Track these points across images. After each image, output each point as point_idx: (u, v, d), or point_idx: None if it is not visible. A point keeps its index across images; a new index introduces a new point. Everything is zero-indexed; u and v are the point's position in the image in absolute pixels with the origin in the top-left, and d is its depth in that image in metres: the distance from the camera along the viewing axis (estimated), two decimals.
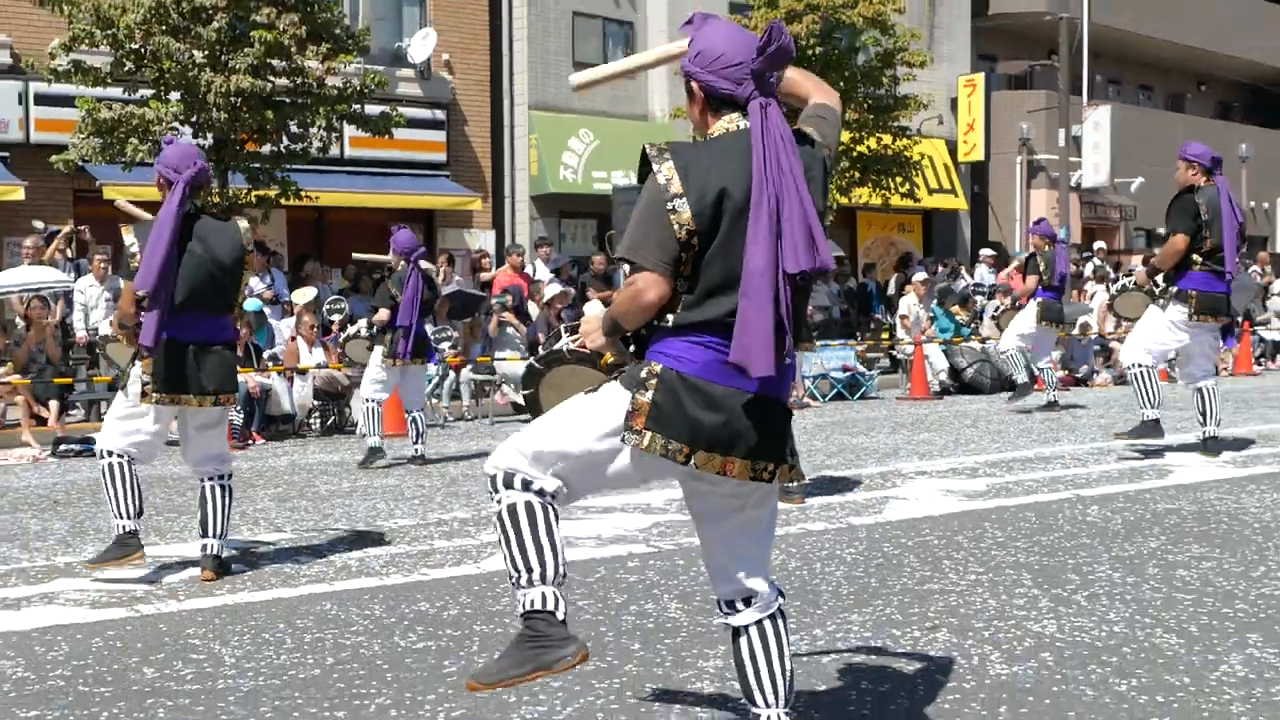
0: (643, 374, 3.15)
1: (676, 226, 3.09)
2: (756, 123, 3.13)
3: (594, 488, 3.38)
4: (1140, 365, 9.55)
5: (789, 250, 3.05)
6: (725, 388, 3.14)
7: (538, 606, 3.17)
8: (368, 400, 10.84)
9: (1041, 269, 14.03)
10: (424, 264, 10.76)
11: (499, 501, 3.24)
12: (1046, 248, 14.13)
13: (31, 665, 4.78)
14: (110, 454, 6.20)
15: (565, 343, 3.57)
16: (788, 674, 3.38)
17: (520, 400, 14.40)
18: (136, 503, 6.24)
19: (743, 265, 3.07)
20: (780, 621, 3.40)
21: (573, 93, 3.50)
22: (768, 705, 3.34)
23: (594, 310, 3.30)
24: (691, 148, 3.24)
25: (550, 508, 3.23)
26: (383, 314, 10.49)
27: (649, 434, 3.10)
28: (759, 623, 3.35)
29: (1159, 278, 9.56)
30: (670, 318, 3.18)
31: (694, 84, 3.29)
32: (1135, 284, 11.30)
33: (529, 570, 3.18)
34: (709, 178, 3.12)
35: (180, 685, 4.49)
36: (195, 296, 6.13)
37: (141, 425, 6.25)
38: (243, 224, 6.50)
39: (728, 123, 3.25)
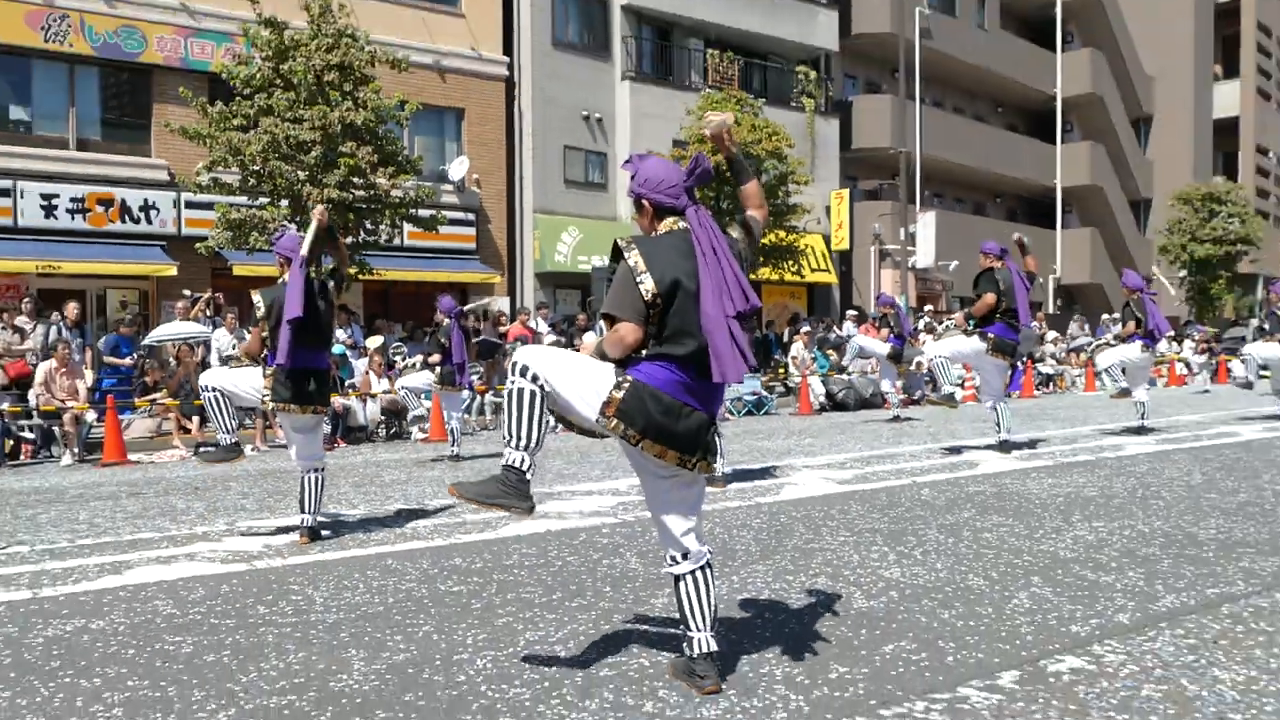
0: (619, 378, 3.26)
1: (644, 293, 3.23)
2: (694, 222, 3.34)
3: (565, 414, 3.41)
4: (940, 356, 10.03)
5: (730, 299, 3.23)
6: (675, 400, 3.26)
7: (516, 465, 3.28)
8: (403, 388, 11.15)
9: (892, 325, 14.54)
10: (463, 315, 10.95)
11: (513, 383, 3.29)
12: (891, 311, 14.55)
13: (177, 604, 4.72)
14: (211, 389, 6.31)
15: None
16: (713, 607, 3.42)
17: None
18: (234, 421, 6.36)
19: (698, 316, 3.23)
20: (708, 570, 3.44)
21: (706, 129, 3.52)
22: (698, 629, 3.39)
23: (590, 339, 3.40)
24: (649, 240, 3.40)
25: (545, 398, 3.29)
26: (435, 356, 10.61)
27: (615, 420, 3.23)
28: (692, 571, 3.42)
29: (971, 323, 9.86)
30: (643, 353, 3.30)
31: (645, 201, 3.47)
32: (954, 325, 11.62)
33: (518, 438, 3.27)
34: (665, 262, 3.27)
35: (283, 618, 4.43)
36: (308, 335, 6.16)
37: (237, 381, 6.34)
38: (330, 285, 6.56)
39: (671, 223, 3.42)
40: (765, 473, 8.91)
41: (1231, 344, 26.09)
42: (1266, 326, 12.91)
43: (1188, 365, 24.11)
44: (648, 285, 3.22)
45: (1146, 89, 41.64)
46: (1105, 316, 26.92)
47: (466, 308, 10.56)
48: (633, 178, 3.48)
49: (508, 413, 3.29)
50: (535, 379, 3.26)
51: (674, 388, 3.25)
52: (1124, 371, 11.48)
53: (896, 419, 14.22)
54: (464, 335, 10.57)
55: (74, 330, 13.60)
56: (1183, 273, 34.48)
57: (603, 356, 3.33)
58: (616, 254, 3.33)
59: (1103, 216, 38.23)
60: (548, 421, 3.31)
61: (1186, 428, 12.26)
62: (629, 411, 3.21)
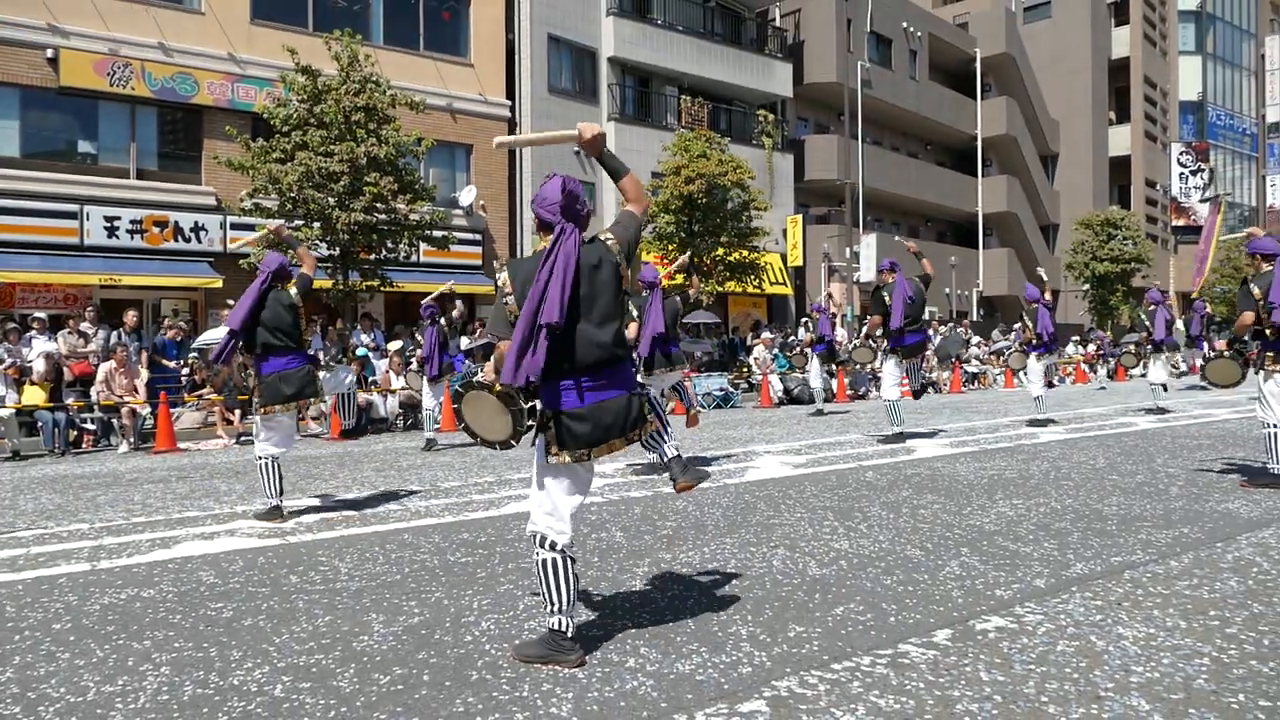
0: (543, 420, 3.20)
1: (508, 313, 3.14)
2: (555, 242, 3.13)
3: (581, 497, 3.29)
4: (890, 400, 9.72)
5: (543, 311, 3.01)
6: (587, 406, 3.16)
7: (558, 628, 3.19)
8: (426, 411, 10.88)
9: (809, 329, 15.02)
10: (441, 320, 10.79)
11: (538, 556, 3.21)
12: (816, 315, 14.87)
13: (219, 575, 4.62)
14: (263, 458, 6.08)
15: (479, 376, 3.61)
16: (668, 426, 3.65)
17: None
18: (280, 485, 6.10)
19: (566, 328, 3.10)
20: (655, 406, 3.61)
21: (494, 148, 3.42)
22: (667, 441, 3.67)
23: (489, 366, 3.28)
24: (519, 260, 3.24)
25: (569, 559, 3.21)
26: (419, 352, 10.77)
27: (563, 453, 3.15)
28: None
29: (871, 341, 9.97)
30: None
31: (536, 215, 3.28)
32: (859, 344, 11.84)
33: (554, 604, 3.19)
34: (525, 282, 3.12)
35: (312, 586, 4.34)
36: (270, 345, 5.95)
37: (276, 430, 6.08)
38: (292, 289, 6.10)
39: (545, 242, 3.22)
40: (731, 458, 8.87)
41: (1127, 347, 26.22)
42: (1149, 329, 12.88)
43: (1092, 366, 24.26)
44: (510, 304, 3.14)
45: (1053, 131, 42.01)
46: (1013, 330, 26.94)
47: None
48: None
49: (542, 583, 3.19)
50: (554, 545, 3.18)
51: (578, 399, 3.15)
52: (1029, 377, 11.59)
53: (820, 413, 14.23)
54: (438, 333, 10.46)
55: (132, 335, 13.41)
56: (1086, 287, 34.74)
57: (496, 370, 3.25)
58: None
59: (1018, 238, 38.48)
60: (576, 585, 3.22)
61: (1091, 419, 12.30)
62: (564, 439, 3.15)
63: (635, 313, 7.79)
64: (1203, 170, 46.49)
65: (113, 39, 16.47)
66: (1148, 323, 12.62)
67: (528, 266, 3.16)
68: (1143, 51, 44.91)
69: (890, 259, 9.74)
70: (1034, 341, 11.42)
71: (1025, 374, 11.64)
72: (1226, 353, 7.46)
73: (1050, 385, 11.62)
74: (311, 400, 6.10)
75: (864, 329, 13.47)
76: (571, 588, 3.20)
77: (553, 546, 3.19)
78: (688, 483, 3.39)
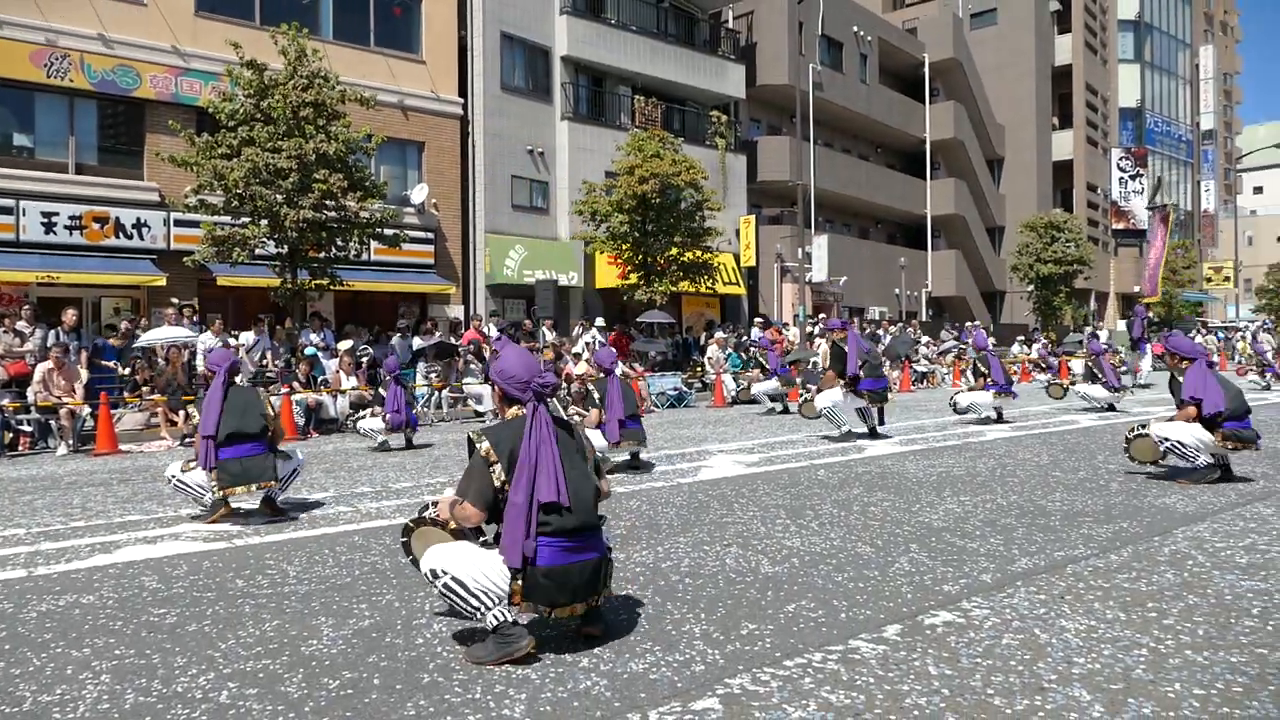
0: (512, 570, 3.23)
1: (495, 479, 3.25)
2: (530, 418, 3.31)
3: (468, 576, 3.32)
4: (826, 406, 10.16)
5: (540, 489, 3.21)
6: (563, 565, 3.25)
7: (497, 622, 3.21)
8: (361, 429, 10.79)
9: (763, 362, 15.48)
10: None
11: (438, 584, 3.25)
12: (763, 350, 15.51)
13: (162, 580, 4.50)
14: (173, 479, 6.04)
15: (430, 513, 3.73)
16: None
17: (478, 408, 14.24)
18: (203, 487, 6.00)
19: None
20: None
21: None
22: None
23: (449, 493, 3.35)
24: (496, 429, 3.37)
25: (460, 582, 3.23)
26: (377, 409, 10.81)
27: (525, 603, 3.23)
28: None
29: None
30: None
31: (495, 387, 3.48)
32: (809, 399, 12.13)
33: (478, 608, 3.22)
34: (509, 448, 3.27)
35: (260, 590, 4.26)
36: (235, 434, 5.91)
37: (195, 479, 6.02)
38: (262, 392, 6.24)
39: (516, 411, 3.43)
40: (685, 457, 8.90)
41: (1070, 348, 26.92)
42: (1091, 367, 13.55)
43: (1038, 366, 24.80)
44: (498, 472, 3.25)
45: (999, 135, 42.90)
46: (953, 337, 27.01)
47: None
48: (495, 359, 3.51)
49: (455, 602, 3.24)
50: (445, 571, 3.22)
51: (557, 556, 3.24)
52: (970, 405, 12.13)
53: (771, 411, 14.48)
54: (401, 389, 10.39)
55: (71, 334, 13.01)
56: (1030, 288, 35.51)
57: (452, 517, 3.37)
58: (472, 446, 3.34)
59: (965, 240, 39.23)
60: (480, 586, 3.21)
61: (1035, 417, 12.58)
62: (532, 593, 3.21)
63: (597, 398, 7.86)
64: (1142, 175, 47.84)
65: (50, 29, 15.97)
66: (1097, 372, 13.29)
67: (507, 435, 3.30)
68: (1084, 59, 46.07)
69: (842, 319, 10.20)
70: (990, 383, 11.90)
71: (973, 408, 12.08)
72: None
73: (1000, 415, 12.06)
74: (272, 483, 5.99)
75: (821, 369, 13.46)
76: (483, 590, 3.22)
77: (444, 572, 3.23)
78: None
